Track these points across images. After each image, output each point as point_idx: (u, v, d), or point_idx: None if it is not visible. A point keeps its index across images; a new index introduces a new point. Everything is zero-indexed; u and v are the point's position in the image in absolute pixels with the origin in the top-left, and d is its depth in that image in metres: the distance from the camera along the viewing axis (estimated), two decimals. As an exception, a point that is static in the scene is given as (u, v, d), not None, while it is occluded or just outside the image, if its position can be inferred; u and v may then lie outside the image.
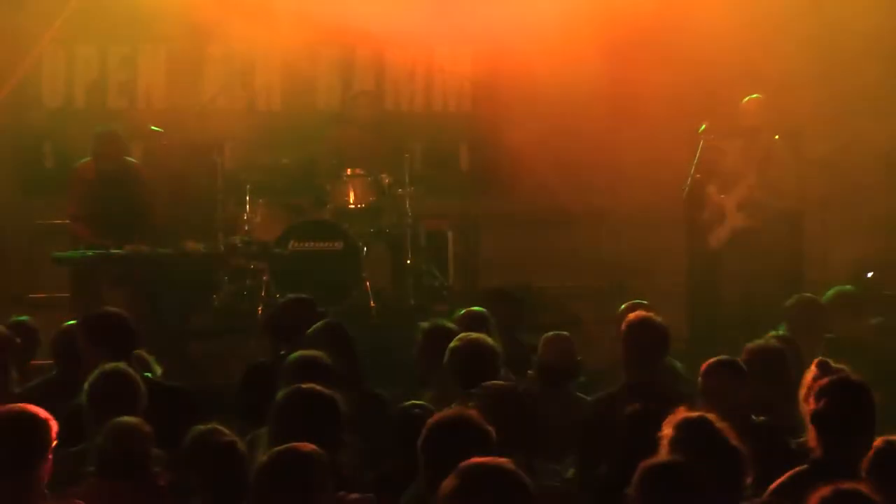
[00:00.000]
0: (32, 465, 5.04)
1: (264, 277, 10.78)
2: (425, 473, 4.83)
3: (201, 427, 5.35)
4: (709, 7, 11.57)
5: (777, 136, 10.54)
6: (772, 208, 10.42)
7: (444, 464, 4.43)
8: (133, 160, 10.57)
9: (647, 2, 11.99)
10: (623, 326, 6.93)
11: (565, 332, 7.70)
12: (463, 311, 7.87)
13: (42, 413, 5.10)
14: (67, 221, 10.47)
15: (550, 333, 7.63)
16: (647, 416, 5.44)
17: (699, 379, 6.23)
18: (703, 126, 10.49)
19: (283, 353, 7.19)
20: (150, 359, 7.12)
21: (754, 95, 10.57)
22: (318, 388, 5.48)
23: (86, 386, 6.00)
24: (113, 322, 6.91)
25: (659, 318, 6.98)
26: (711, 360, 6.28)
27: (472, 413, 4.98)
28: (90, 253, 9.91)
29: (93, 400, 5.93)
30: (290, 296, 8.45)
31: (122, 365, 6.12)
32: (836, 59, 11.90)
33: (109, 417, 5.57)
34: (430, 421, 4.95)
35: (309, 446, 4.77)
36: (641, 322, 6.90)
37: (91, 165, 10.28)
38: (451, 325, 7.37)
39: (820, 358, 5.45)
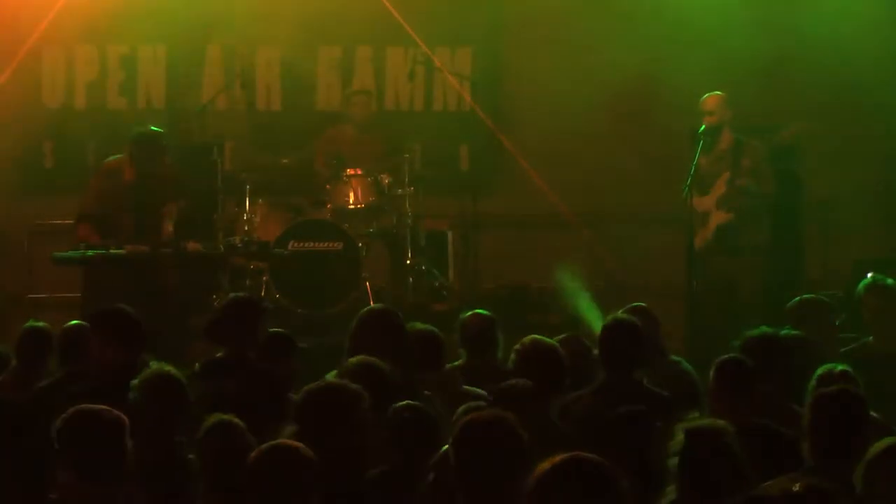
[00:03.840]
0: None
1: (264, 277, 10.78)
2: (457, 473, 4.74)
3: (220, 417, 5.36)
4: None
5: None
6: (755, 194, 10.46)
7: (477, 465, 4.49)
8: (172, 162, 10.52)
9: None
10: (601, 329, 6.89)
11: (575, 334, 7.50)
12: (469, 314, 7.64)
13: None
14: (70, 221, 10.47)
15: (564, 335, 7.31)
16: (620, 419, 5.41)
17: (711, 376, 6.17)
18: (703, 126, 10.50)
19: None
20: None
21: (715, 92, 10.57)
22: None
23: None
24: (126, 319, 6.93)
25: (634, 319, 6.92)
26: (724, 357, 6.21)
27: (508, 415, 4.89)
28: (90, 253, 9.91)
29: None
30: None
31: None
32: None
33: None
34: (464, 420, 4.85)
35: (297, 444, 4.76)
36: (616, 323, 6.86)
37: (124, 165, 10.26)
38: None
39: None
